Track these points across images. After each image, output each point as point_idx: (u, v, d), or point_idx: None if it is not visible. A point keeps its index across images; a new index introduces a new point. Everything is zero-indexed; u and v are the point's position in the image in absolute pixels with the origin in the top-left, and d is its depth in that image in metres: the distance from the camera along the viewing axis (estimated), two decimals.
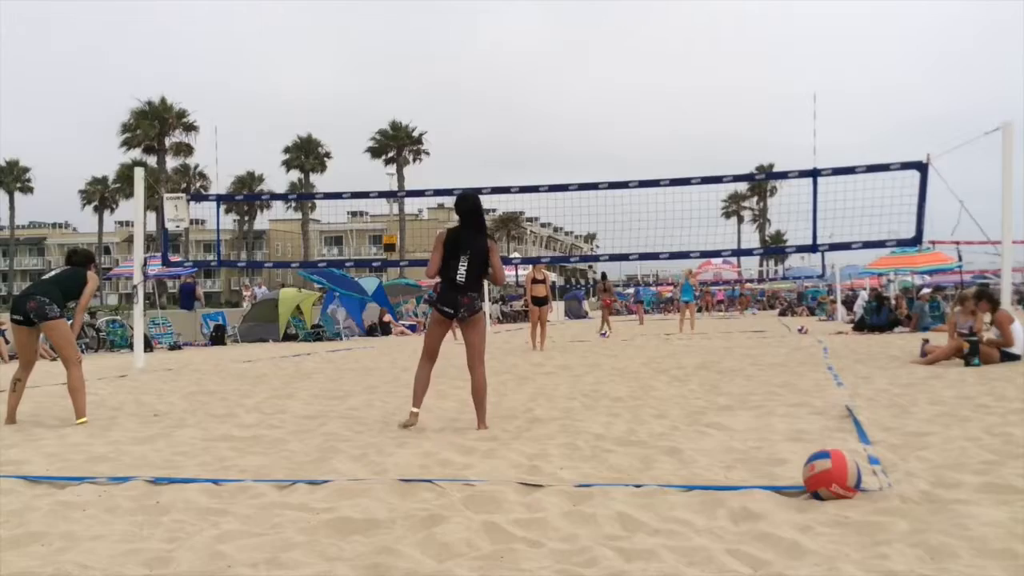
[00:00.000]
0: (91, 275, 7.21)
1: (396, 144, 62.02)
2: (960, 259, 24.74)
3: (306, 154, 63.18)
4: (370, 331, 23.77)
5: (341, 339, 21.84)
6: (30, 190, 71.41)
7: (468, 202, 6.09)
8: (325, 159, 64.33)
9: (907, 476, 4.06)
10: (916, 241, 11.81)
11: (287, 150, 63.48)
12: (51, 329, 6.91)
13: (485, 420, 6.00)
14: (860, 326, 19.35)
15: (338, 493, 3.98)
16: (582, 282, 62.42)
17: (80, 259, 7.35)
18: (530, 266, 17.01)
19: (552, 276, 25.79)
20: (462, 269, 5.92)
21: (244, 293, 30.31)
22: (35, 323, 6.86)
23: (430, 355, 6.16)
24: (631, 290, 46.53)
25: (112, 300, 69.70)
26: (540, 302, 15.50)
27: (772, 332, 20.51)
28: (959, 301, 11.08)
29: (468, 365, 6.11)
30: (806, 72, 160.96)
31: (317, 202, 61.97)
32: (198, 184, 60.20)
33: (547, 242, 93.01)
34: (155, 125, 55.47)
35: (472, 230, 6.02)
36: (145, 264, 13.94)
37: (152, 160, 55.92)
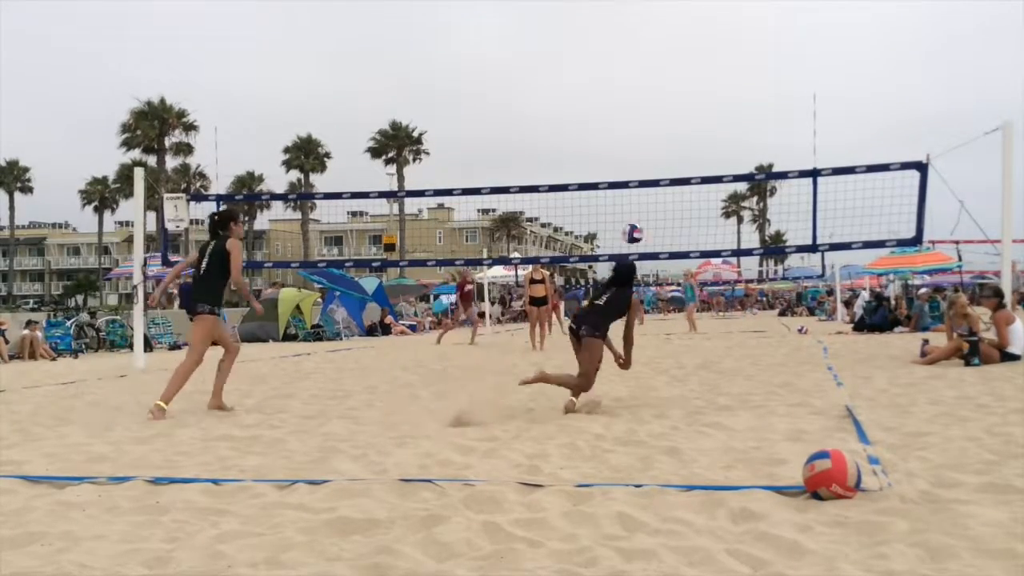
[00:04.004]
0: (231, 243, 7.07)
1: (396, 144, 62.00)
2: (960, 259, 24.74)
3: (306, 154, 63.14)
4: (370, 331, 23.77)
5: (341, 339, 21.84)
6: (30, 190, 71.41)
7: (628, 268, 6.99)
8: (325, 159, 64.32)
9: (907, 476, 4.06)
10: (916, 241, 11.81)
11: (287, 150, 63.46)
12: (193, 323, 7.20)
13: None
14: (860, 326, 19.35)
15: (338, 493, 3.98)
16: (582, 282, 62.38)
17: (222, 223, 7.21)
18: (529, 266, 17.01)
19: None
20: (602, 300, 6.77)
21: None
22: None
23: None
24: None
25: (112, 300, 69.66)
26: (539, 302, 15.50)
27: (772, 332, 20.50)
28: (949, 305, 11.09)
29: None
30: (805, 73, 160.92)
31: (317, 202, 62.00)
32: (198, 184, 60.15)
33: (547, 242, 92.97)
34: (155, 125, 55.42)
35: (621, 287, 6.81)
36: (145, 264, 13.94)
37: (152, 160, 55.91)
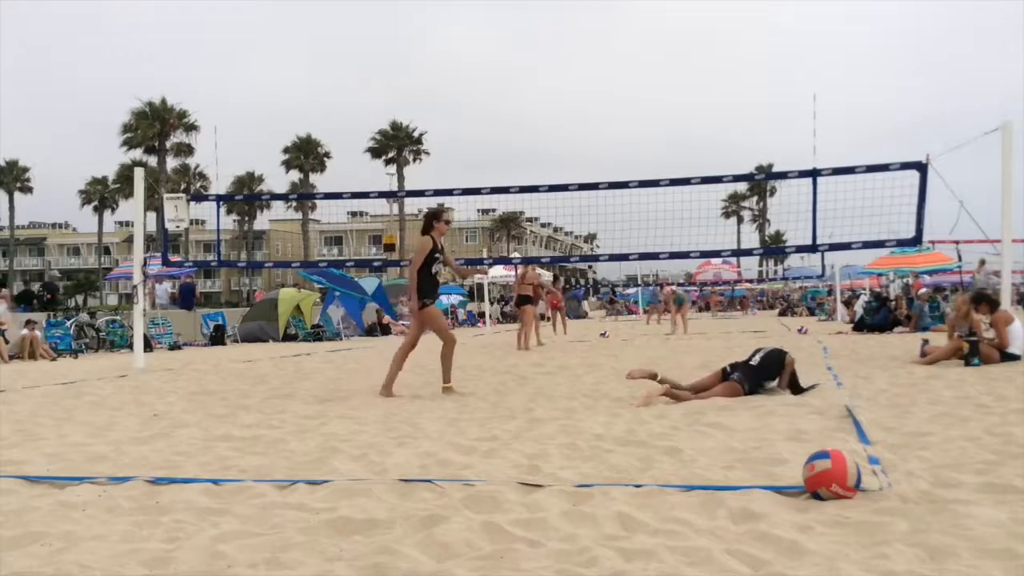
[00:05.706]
0: (418, 240, 7.72)
1: (396, 144, 62.02)
2: (960, 259, 24.73)
3: (306, 154, 63.14)
4: (370, 331, 23.77)
5: (341, 339, 21.85)
6: (30, 190, 71.30)
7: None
8: (325, 159, 64.34)
9: (907, 476, 4.05)
10: (916, 241, 11.79)
11: (287, 150, 63.45)
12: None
13: None
14: (860, 326, 19.34)
15: (338, 493, 3.98)
16: (582, 282, 62.37)
17: (425, 223, 7.82)
18: (527, 266, 17.40)
19: (546, 274, 25.90)
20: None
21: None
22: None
23: None
24: (632, 290, 46.46)
25: (112, 300, 69.66)
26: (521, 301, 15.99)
27: (772, 332, 20.50)
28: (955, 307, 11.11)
29: None
30: (805, 75, 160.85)
31: (317, 202, 62.00)
32: (198, 184, 60.19)
33: (547, 242, 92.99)
34: (155, 125, 55.45)
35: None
36: (145, 264, 13.94)
37: (153, 160, 55.93)
